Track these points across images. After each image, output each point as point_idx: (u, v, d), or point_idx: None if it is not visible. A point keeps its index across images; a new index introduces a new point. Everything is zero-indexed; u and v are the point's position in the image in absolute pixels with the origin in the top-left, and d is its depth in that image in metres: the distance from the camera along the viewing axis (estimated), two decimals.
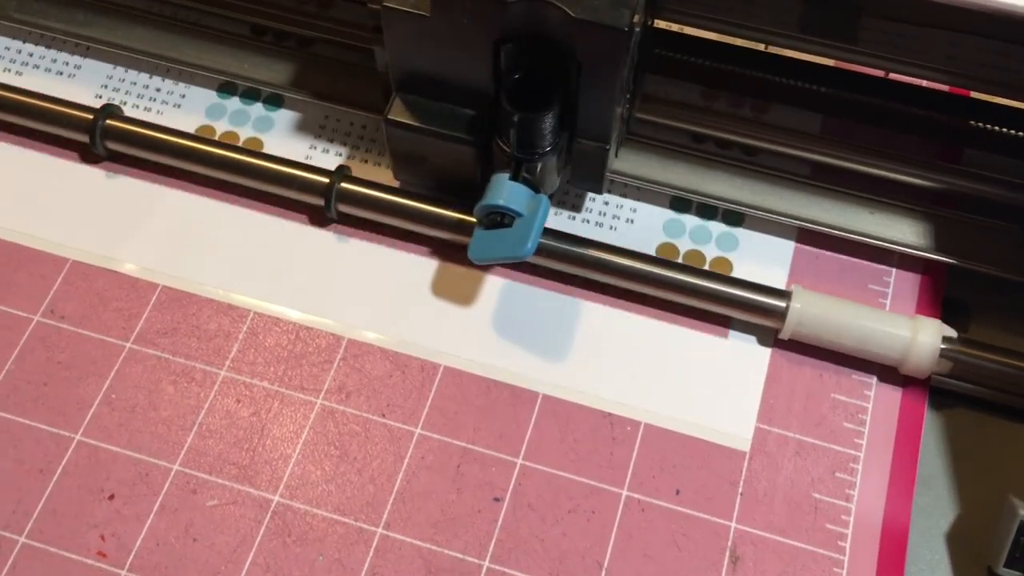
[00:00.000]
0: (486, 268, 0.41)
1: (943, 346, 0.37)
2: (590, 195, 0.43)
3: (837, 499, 0.37)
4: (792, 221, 0.41)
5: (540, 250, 0.39)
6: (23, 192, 0.43)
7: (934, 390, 0.39)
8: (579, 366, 0.39)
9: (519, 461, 0.38)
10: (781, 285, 0.41)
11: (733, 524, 0.37)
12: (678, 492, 0.37)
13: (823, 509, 0.37)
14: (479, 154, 0.39)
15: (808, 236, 0.42)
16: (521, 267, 0.41)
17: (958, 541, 0.37)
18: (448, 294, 0.41)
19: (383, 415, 0.38)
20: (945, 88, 0.43)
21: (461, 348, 0.40)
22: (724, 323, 0.40)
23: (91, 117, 0.43)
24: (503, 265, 0.41)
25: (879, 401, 0.39)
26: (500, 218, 0.37)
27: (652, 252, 0.41)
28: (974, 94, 0.43)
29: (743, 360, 0.40)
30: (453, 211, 0.41)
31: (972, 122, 0.42)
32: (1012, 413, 0.39)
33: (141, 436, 0.38)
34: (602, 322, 0.40)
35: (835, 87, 0.43)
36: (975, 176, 0.41)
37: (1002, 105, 0.42)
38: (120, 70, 0.46)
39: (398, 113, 0.39)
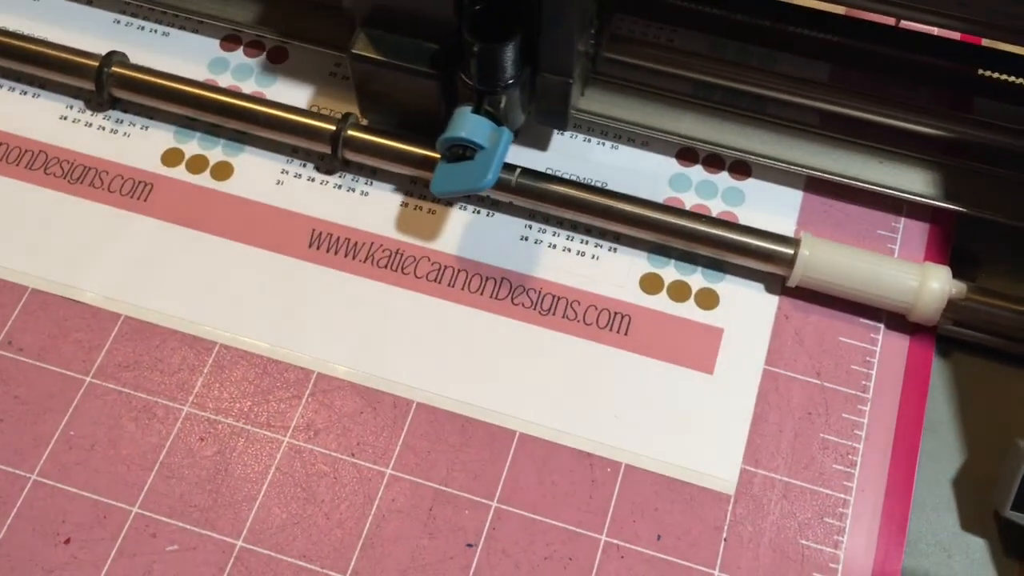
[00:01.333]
0: (470, 302, 0.40)
1: (952, 293, 0.37)
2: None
3: (825, 546, 0.35)
4: (800, 170, 0.41)
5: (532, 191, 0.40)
6: None
7: (941, 338, 0.39)
8: (558, 403, 0.38)
9: (494, 504, 0.36)
10: (790, 234, 0.40)
11: (717, 572, 0.35)
12: (659, 538, 0.36)
13: (810, 557, 0.35)
14: (443, 88, 0.39)
15: (816, 185, 0.42)
16: (500, 294, 0.39)
17: (964, 485, 0.37)
18: (422, 327, 0.39)
19: (353, 454, 0.37)
20: (956, 36, 0.43)
21: (435, 383, 0.38)
22: (710, 361, 0.39)
23: (97, 64, 0.42)
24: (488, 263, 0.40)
25: (886, 348, 0.39)
26: (462, 151, 0.37)
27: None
28: (985, 42, 0.42)
29: (729, 395, 0.38)
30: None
31: (983, 71, 0.42)
32: (1019, 361, 0.39)
33: (100, 476, 0.36)
34: (583, 359, 0.39)
35: (845, 36, 0.43)
36: (985, 125, 0.41)
37: (1013, 53, 0.42)
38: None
39: (363, 47, 0.39)
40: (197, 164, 0.42)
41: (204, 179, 0.42)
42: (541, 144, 0.43)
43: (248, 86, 0.44)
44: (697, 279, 0.40)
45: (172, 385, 0.38)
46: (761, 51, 0.44)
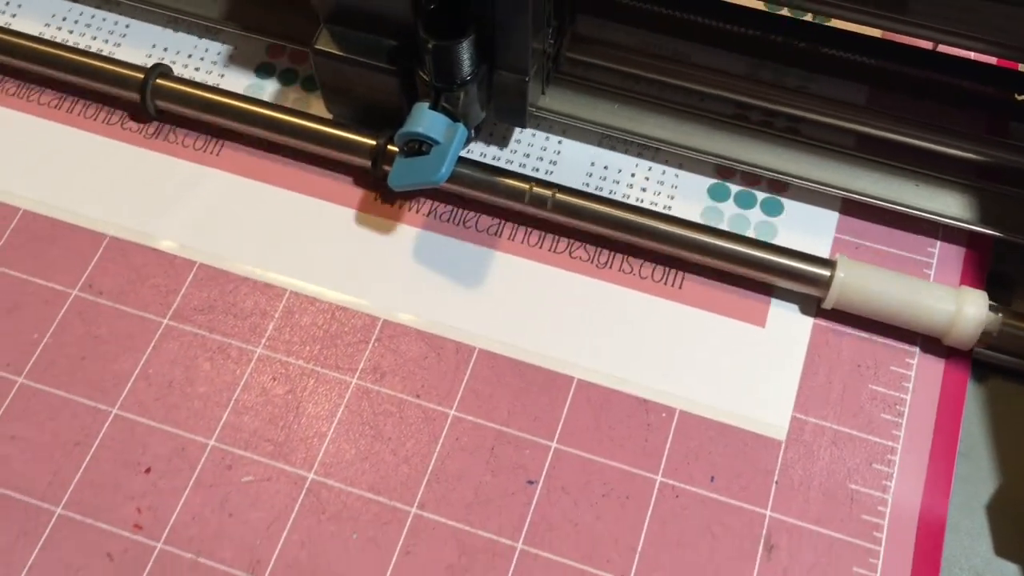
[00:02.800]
0: (528, 254, 0.41)
1: (987, 318, 0.37)
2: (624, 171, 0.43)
3: (874, 490, 0.37)
4: (837, 192, 0.41)
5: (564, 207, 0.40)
6: (61, 168, 0.43)
7: (976, 362, 0.39)
8: (615, 352, 0.39)
9: (553, 444, 0.38)
10: (825, 254, 0.41)
11: (768, 513, 0.36)
12: (713, 479, 0.37)
13: (859, 500, 0.37)
14: (403, 84, 0.40)
15: (852, 207, 0.42)
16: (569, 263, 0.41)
17: (999, 511, 0.37)
18: (483, 278, 0.41)
19: (418, 396, 0.38)
20: (993, 61, 0.43)
21: (496, 331, 0.40)
22: (761, 315, 0.40)
23: (142, 76, 0.43)
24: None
25: (921, 371, 0.39)
26: (419, 146, 0.38)
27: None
28: (1022, 67, 0.43)
29: (780, 348, 0.39)
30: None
31: (1020, 95, 0.42)
32: None
33: (178, 411, 0.38)
34: (640, 309, 0.40)
35: (883, 59, 0.43)
36: (1022, 150, 0.41)
37: None
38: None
39: (325, 43, 0.40)
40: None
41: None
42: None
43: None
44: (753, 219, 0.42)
45: (245, 328, 0.40)
46: (799, 73, 0.44)
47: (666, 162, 0.43)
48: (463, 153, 0.42)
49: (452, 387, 0.39)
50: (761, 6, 0.44)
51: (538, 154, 0.43)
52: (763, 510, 0.36)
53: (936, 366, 0.39)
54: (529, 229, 0.42)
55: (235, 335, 0.40)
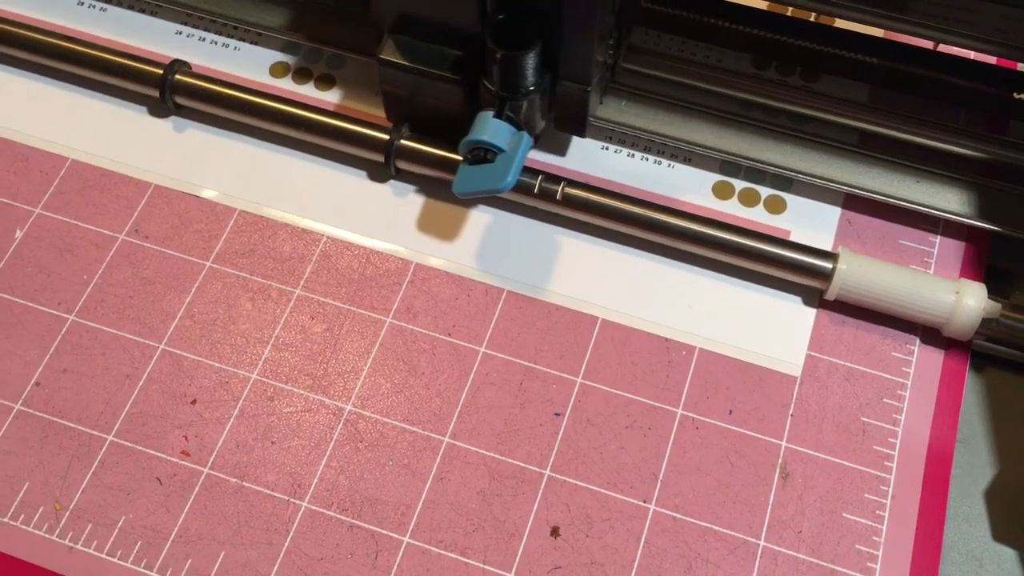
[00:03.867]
0: (551, 220, 0.43)
1: (987, 310, 0.38)
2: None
3: (884, 423, 0.38)
4: (840, 187, 0.42)
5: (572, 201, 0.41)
6: (110, 126, 0.45)
7: (975, 353, 0.40)
8: (637, 294, 0.41)
9: (579, 380, 0.39)
10: (827, 248, 0.41)
11: (783, 443, 0.38)
12: (731, 412, 0.39)
13: (871, 432, 0.38)
14: (467, 93, 0.40)
15: (854, 202, 0.43)
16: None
17: (996, 498, 0.38)
18: (510, 226, 0.43)
19: (449, 334, 0.40)
20: (993, 60, 0.44)
21: (524, 275, 0.41)
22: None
23: (161, 72, 0.44)
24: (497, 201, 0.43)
25: (921, 362, 0.40)
26: (483, 154, 0.39)
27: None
28: (1021, 66, 0.44)
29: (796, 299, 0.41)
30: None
31: (1018, 94, 0.43)
32: None
33: (221, 347, 0.40)
34: (661, 264, 0.42)
35: (884, 58, 0.44)
36: (1020, 147, 0.42)
37: None
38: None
39: (390, 53, 0.40)
40: (303, 75, 0.46)
41: (309, 89, 0.46)
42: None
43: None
44: (764, 189, 0.43)
45: (284, 271, 0.42)
46: (802, 71, 0.45)
47: (674, 157, 0.44)
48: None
49: (482, 326, 0.40)
50: (765, 6, 0.45)
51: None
52: (779, 441, 0.38)
53: (935, 356, 0.40)
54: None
55: (274, 277, 0.42)
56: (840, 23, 0.44)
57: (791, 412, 0.39)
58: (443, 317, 0.41)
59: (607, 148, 0.44)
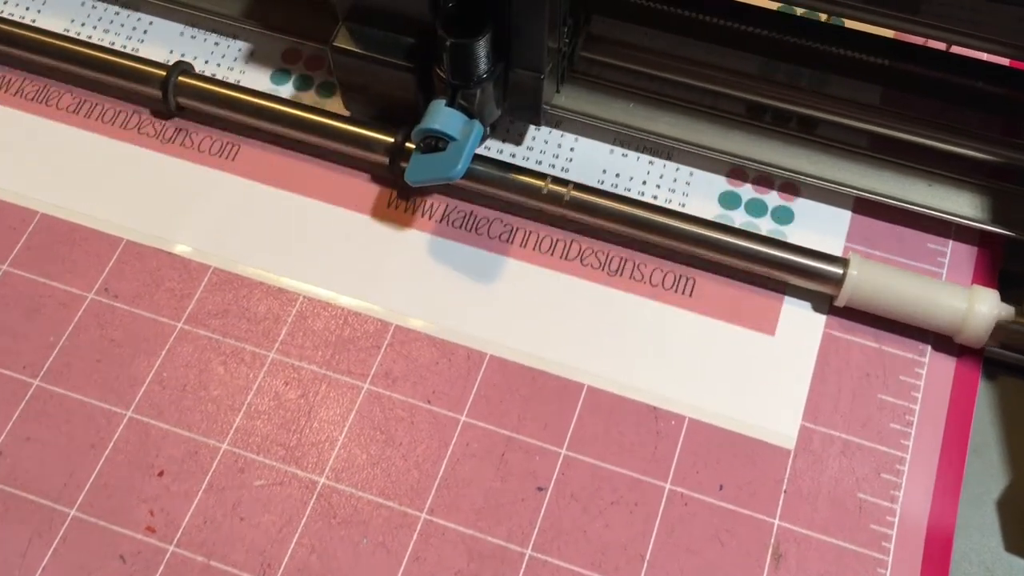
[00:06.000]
0: (539, 261, 0.41)
1: (1000, 316, 0.38)
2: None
3: (882, 500, 0.37)
4: (849, 190, 0.41)
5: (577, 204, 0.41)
6: (79, 172, 0.44)
7: (987, 360, 0.39)
8: (624, 359, 0.39)
9: (563, 451, 0.38)
10: (837, 253, 0.41)
11: (776, 521, 0.36)
12: (721, 487, 0.37)
13: (868, 509, 0.37)
14: (420, 81, 0.40)
15: (865, 206, 0.42)
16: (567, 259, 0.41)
17: (1009, 507, 0.37)
18: (494, 284, 0.41)
19: (429, 401, 0.39)
20: (1006, 62, 0.43)
21: (507, 337, 0.40)
22: (771, 323, 0.40)
23: (164, 73, 0.44)
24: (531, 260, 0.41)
25: (933, 369, 0.39)
26: (435, 142, 0.39)
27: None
28: None
29: (790, 356, 0.39)
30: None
31: None
32: None
33: (191, 414, 0.38)
34: (650, 316, 0.40)
35: (896, 60, 0.43)
36: None
37: None
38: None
39: (343, 41, 0.40)
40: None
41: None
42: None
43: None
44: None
45: (258, 333, 0.40)
46: (812, 73, 0.44)
47: (677, 164, 0.43)
48: (480, 151, 0.42)
49: (463, 393, 0.39)
50: (775, 7, 0.44)
51: (554, 152, 0.44)
52: (771, 519, 0.36)
53: (948, 364, 0.39)
54: (541, 235, 0.42)
55: (248, 339, 0.40)
56: (851, 24, 0.43)
57: (784, 488, 0.37)
58: (423, 383, 0.39)
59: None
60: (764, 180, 0.43)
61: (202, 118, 0.45)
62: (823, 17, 0.44)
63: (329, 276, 0.41)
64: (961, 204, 0.41)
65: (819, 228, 0.42)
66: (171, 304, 0.41)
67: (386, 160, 0.42)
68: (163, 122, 0.45)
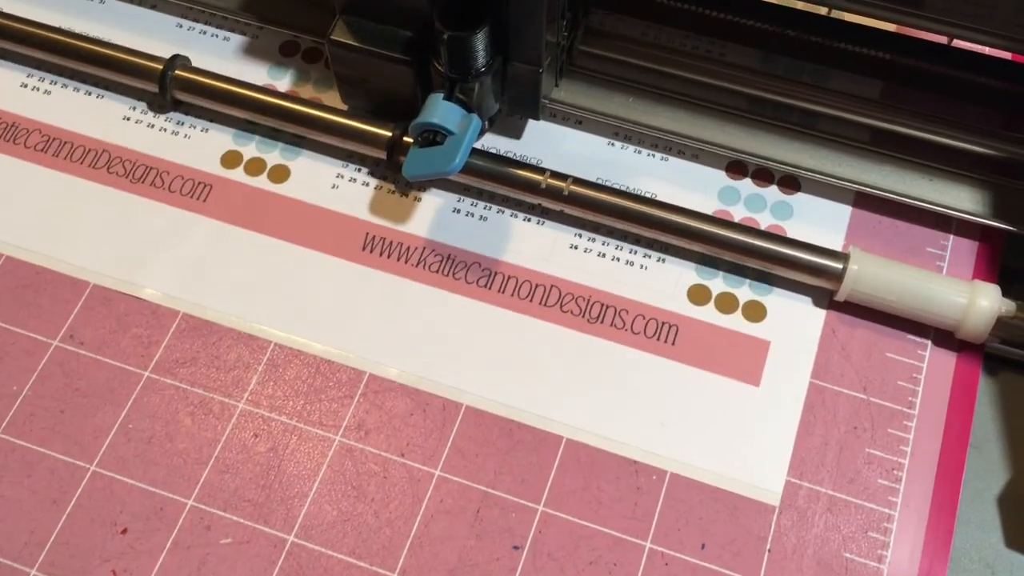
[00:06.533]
0: (521, 309, 0.40)
1: (1001, 311, 0.37)
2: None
3: (869, 560, 0.36)
4: (850, 185, 0.41)
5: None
6: (46, 214, 0.42)
7: (988, 356, 0.39)
8: (605, 410, 0.38)
9: (540, 508, 0.37)
10: (837, 248, 0.41)
11: None
12: (704, 547, 0.36)
13: (854, 570, 0.35)
14: (417, 74, 0.40)
15: (865, 201, 0.42)
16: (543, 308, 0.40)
17: (1009, 503, 0.37)
18: (472, 331, 0.40)
19: (402, 455, 0.38)
20: (1008, 56, 0.43)
21: (484, 388, 0.39)
22: (756, 373, 0.39)
23: (161, 67, 0.43)
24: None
25: (933, 365, 0.39)
26: (433, 136, 0.38)
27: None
28: None
29: (775, 409, 0.38)
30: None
31: None
32: None
33: (157, 469, 0.37)
34: (630, 367, 0.39)
35: (897, 54, 0.43)
36: None
37: None
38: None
39: (340, 34, 0.40)
40: (255, 167, 0.43)
41: (262, 181, 0.43)
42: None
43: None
44: (745, 291, 0.41)
45: (228, 382, 0.39)
46: (813, 67, 0.44)
47: (677, 159, 0.43)
48: (478, 145, 0.42)
49: (438, 446, 0.38)
50: (776, 0, 0.44)
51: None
52: None
53: (948, 360, 0.39)
54: (520, 280, 0.41)
55: (217, 389, 0.39)
56: (851, 17, 0.43)
57: (768, 547, 0.36)
58: (396, 435, 0.38)
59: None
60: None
61: (199, 112, 0.44)
62: (824, 11, 0.44)
63: (302, 322, 0.40)
64: (962, 199, 0.41)
65: (819, 223, 0.42)
66: (138, 351, 0.39)
67: (384, 155, 0.42)
68: (132, 162, 0.43)
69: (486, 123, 0.40)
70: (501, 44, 0.38)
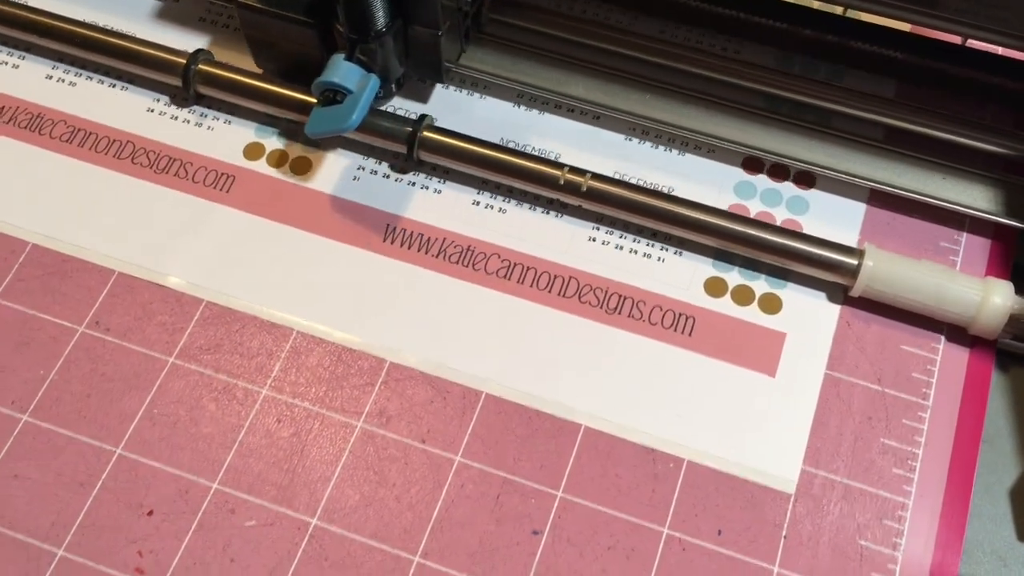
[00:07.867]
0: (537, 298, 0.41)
1: (1014, 308, 0.38)
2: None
3: (884, 547, 0.36)
4: (864, 182, 0.42)
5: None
6: (72, 203, 0.43)
7: (1000, 352, 0.40)
8: (623, 399, 0.39)
9: (559, 494, 0.37)
10: (851, 244, 0.41)
11: (776, 568, 0.36)
12: (720, 533, 0.36)
13: (869, 557, 0.36)
14: (322, 37, 0.42)
15: (880, 198, 0.43)
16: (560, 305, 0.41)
17: (1021, 497, 0.38)
18: (491, 321, 0.40)
19: (423, 441, 0.38)
20: (1021, 56, 0.43)
21: (503, 376, 0.39)
22: (772, 363, 0.39)
23: (184, 61, 0.44)
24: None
25: (946, 360, 0.39)
26: (333, 95, 0.40)
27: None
28: None
29: (791, 398, 0.39)
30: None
31: None
32: None
33: (182, 452, 0.38)
34: (648, 357, 0.40)
35: (912, 53, 0.44)
36: None
37: None
38: None
39: None
40: (277, 158, 0.44)
41: (284, 172, 0.44)
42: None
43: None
44: (761, 284, 0.41)
45: (251, 368, 0.40)
46: (828, 66, 0.45)
47: (693, 154, 0.44)
48: (482, 135, 0.43)
49: (458, 432, 0.38)
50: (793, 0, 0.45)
51: (554, 138, 0.44)
52: (771, 566, 0.36)
53: (961, 355, 0.39)
54: (539, 271, 0.41)
55: (241, 375, 0.39)
56: (867, 17, 0.44)
57: (784, 534, 0.36)
58: (417, 422, 0.39)
59: (630, 139, 0.44)
60: (779, 171, 0.43)
61: (219, 105, 0.45)
62: (839, 10, 0.44)
63: (324, 311, 0.41)
64: (975, 197, 0.41)
65: (833, 219, 0.42)
66: (163, 338, 0.40)
67: (404, 150, 0.43)
68: (156, 153, 0.44)
69: (393, 86, 0.43)
70: (402, 7, 0.40)
